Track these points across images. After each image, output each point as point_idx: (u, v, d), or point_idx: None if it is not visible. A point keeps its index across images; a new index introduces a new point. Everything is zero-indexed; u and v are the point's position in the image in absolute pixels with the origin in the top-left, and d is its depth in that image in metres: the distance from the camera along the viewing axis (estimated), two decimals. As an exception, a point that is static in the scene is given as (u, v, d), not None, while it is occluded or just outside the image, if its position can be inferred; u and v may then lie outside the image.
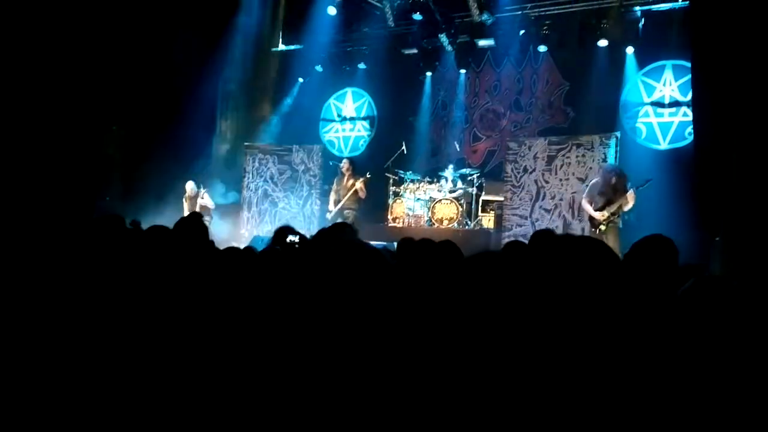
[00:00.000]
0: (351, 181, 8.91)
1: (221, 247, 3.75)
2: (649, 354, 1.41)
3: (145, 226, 4.57)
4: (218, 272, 2.37)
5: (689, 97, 8.53)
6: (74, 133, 8.99)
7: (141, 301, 1.96)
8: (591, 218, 7.20)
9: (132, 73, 9.50)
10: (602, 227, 7.02)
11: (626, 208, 7.01)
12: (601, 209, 7.06)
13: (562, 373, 1.28)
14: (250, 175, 10.46)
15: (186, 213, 9.38)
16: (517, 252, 2.60)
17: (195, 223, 3.09)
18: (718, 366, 1.61)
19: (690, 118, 8.45)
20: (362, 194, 8.91)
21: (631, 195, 6.95)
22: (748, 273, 4.77)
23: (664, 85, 9.27)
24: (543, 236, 3.06)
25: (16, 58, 8.13)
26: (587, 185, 7.53)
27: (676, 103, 9.15)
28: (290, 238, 3.19)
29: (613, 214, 7.00)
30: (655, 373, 1.38)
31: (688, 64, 8.11)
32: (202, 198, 9.49)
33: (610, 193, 7.04)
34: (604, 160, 7.98)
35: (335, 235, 2.86)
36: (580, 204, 7.72)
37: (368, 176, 8.95)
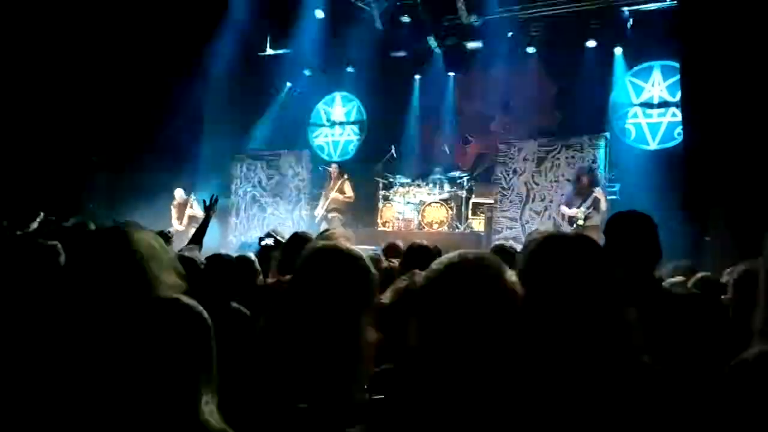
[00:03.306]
0: (338, 185, 8.92)
1: (208, 254, 3.69)
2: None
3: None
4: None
5: (678, 97, 8.52)
6: (58, 141, 8.90)
7: None
8: (569, 218, 7.28)
9: (118, 80, 9.41)
10: (580, 222, 7.07)
11: (603, 207, 7.04)
12: (577, 207, 7.17)
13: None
14: (239, 181, 10.37)
15: (174, 220, 9.26)
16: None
17: None
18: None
19: (679, 118, 8.45)
20: (348, 198, 8.89)
21: (599, 192, 7.02)
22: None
23: (652, 85, 9.28)
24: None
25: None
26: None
27: (664, 104, 9.15)
28: (265, 241, 3.16)
29: (588, 208, 7.06)
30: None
31: (677, 65, 8.11)
32: (191, 207, 9.34)
33: (584, 191, 7.15)
34: (594, 161, 7.96)
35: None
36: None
37: (345, 177, 8.97)
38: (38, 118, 8.64)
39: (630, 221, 2.12)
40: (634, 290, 1.80)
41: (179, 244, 5.65)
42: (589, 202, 7.07)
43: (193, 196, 9.43)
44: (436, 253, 2.79)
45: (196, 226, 8.97)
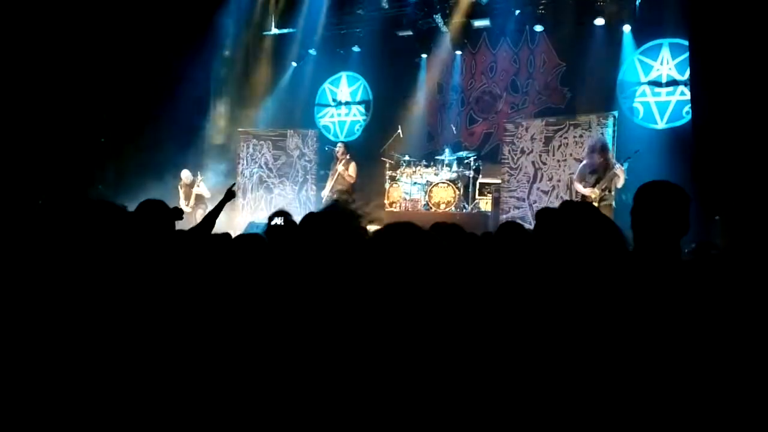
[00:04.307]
0: (343, 165, 8.94)
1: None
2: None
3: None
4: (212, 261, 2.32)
5: (687, 75, 8.45)
6: (65, 121, 8.89)
7: (137, 294, 1.90)
8: (583, 197, 7.19)
9: (122, 60, 9.37)
10: (594, 205, 6.98)
11: (619, 185, 6.94)
12: (592, 186, 7.04)
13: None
14: (245, 162, 10.37)
15: (182, 200, 9.31)
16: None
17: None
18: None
19: (687, 97, 8.38)
20: (350, 179, 8.89)
21: (620, 169, 6.90)
22: (749, 250, 4.74)
23: (661, 63, 9.18)
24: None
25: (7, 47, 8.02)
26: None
27: (673, 82, 9.06)
28: (275, 221, 3.10)
29: (603, 190, 6.97)
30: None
31: (686, 43, 8.03)
32: (198, 186, 9.41)
33: (599, 170, 7.01)
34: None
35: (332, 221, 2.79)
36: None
37: (348, 157, 8.99)
38: (43, 98, 8.62)
39: (662, 191, 2.08)
40: (658, 261, 1.79)
41: (186, 225, 5.67)
42: (604, 183, 6.93)
43: (199, 176, 9.48)
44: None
45: (203, 205, 9.13)
